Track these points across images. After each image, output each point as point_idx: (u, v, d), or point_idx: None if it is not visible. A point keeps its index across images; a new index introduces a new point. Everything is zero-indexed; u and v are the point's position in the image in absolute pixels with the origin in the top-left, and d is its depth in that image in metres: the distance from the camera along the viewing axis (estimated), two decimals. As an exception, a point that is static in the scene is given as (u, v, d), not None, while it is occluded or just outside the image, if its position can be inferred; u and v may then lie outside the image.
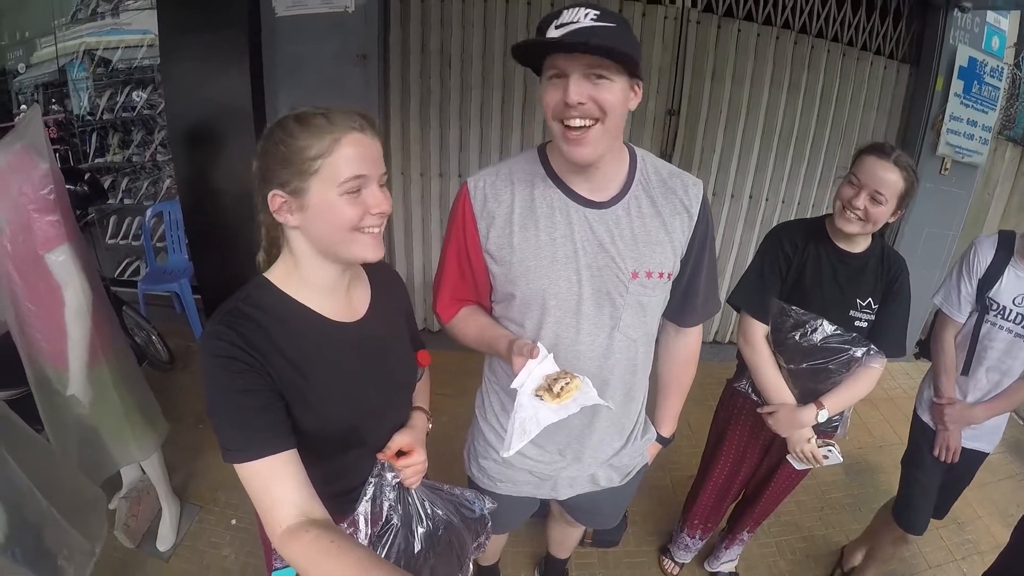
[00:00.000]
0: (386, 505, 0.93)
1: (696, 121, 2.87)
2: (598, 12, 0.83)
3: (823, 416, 1.38)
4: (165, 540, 1.85)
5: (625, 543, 2.03)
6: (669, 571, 1.96)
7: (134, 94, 2.99)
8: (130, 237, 3.16)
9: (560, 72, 0.85)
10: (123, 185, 3.12)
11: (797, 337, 1.36)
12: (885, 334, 1.38)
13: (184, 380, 2.59)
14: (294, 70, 2.48)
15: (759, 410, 1.46)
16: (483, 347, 1.07)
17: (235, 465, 0.74)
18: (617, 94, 0.85)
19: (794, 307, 1.36)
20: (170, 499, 1.89)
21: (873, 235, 1.38)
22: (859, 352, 1.35)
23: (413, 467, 0.94)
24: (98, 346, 1.48)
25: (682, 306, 1.12)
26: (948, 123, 2.88)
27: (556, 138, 0.91)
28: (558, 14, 0.83)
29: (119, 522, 1.80)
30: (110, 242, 3.16)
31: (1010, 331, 1.49)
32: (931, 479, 1.68)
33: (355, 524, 0.92)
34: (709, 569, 1.95)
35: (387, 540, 0.93)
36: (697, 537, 1.87)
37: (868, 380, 1.39)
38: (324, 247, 0.81)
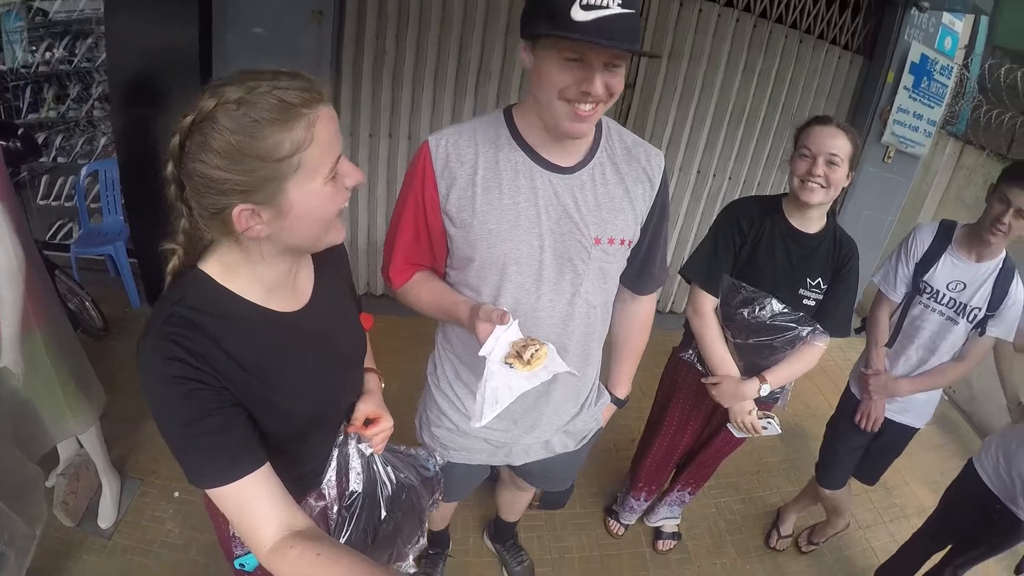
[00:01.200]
0: (352, 475, 0.91)
1: (651, 95, 2.89)
2: None
3: (765, 390, 1.44)
4: (106, 517, 1.78)
5: (571, 505, 2.07)
6: (615, 531, 2.04)
7: (75, 44, 2.77)
8: (63, 198, 2.94)
9: (582, 58, 0.82)
10: (57, 143, 2.90)
11: (746, 313, 1.40)
12: (831, 314, 1.43)
13: (119, 348, 2.47)
14: (245, 24, 2.33)
15: (704, 380, 1.51)
16: (439, 313, 1.05)
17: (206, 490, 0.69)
18: (623, 79, 0.86)
19: (744, 284, 1.40)
20: (110, 473, 1.81)
21: (828, 216, 1.44)
22: (805, 331, 1.41)
23: (383, 433, 0.93)
24: (31, 312, 1.38)
25: (639, 274, 1.13)
26: (895, 114, 3.01)
27: (556, 114, 0.87)
28: None
29: (57, 500, 1.71)
30: (41, 203, 2.94)
31: (942, 314, 1.58)
32: (847, 444, 1.81)
33: (323, 497, 0.90)
34: (649, 524, 2.04)
35: (355, 510, 0.92)
36: (642, 499, 1.95)
37: (810, 357, 1.46)
38: (298, 245, 0.72)
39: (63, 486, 1.75)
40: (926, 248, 1.61)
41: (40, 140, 2.80)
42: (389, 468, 0.98)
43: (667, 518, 2.01)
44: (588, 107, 0.85)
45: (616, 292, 1.15)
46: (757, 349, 1.43)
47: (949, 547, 1.70)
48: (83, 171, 2.66)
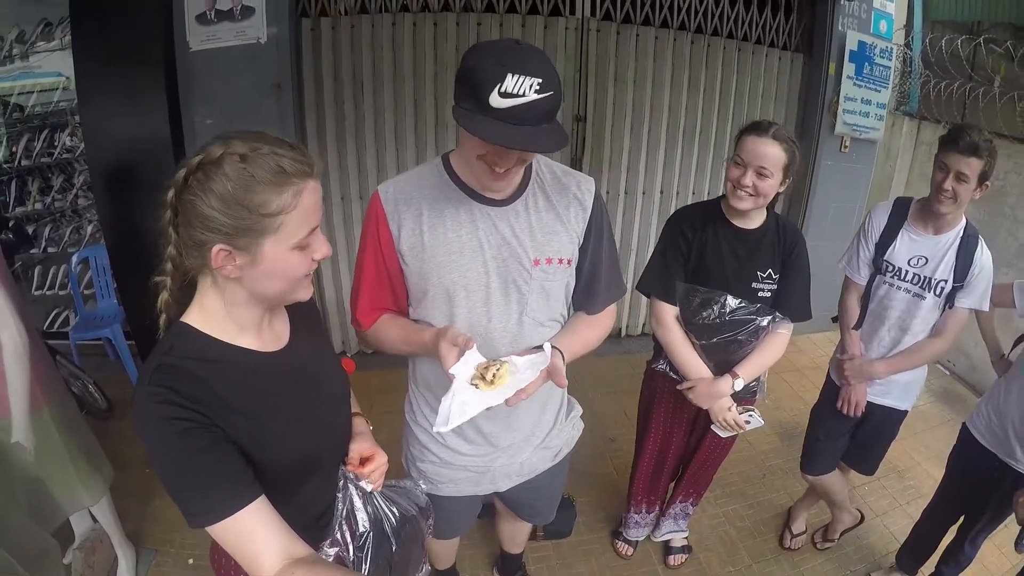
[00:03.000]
0: (359, 516, 0.94)
1: (603, 125, 2.99)
2: (541, 81, 0.84)
3: (739, 384, 1.46)
4: (124, 588, 1.81)
5: (577, 532, 2.09)
6: (624, 553, 2.02)
7: (53, 137, 2.90)
8: (56, 287, 3.04)
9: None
10: (46, 233, 3.02)
11: (704, 314, 1.45)
12: (788, 301, 1.47)
13: (125, 427, 2.51)
14: (211, 103, 2.48)
15: (679, 387, 1.54)
16: (406, 345, 1.11)
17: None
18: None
19: (698, 286, 1.44)
20: (124, 546, 1.85)
21: (767, 210, 1.47)
22: (765, 321, 1.44)
23: (379, 469, 0.97)
24: (38, 390, 1.45)
25: (587, 293, 1.19)
26: (843, 104, 3.10)
27: (476, 172, 0.98)
28: (501, 76, 0.82)
29: (75, 574, 1.74)
30: (36, 294, 3.04)
31: (908, 291, 1.59)
32: (828, 431, 1.81)
33: (336, 543, 0.92)
34: (656, 539, 2.02)
35: (367, 549, 0.94)
36: (644, 511, 1.94)
37: (778, 345, 1.48)
38: (262, 297, 0.78)
39: (80, 560, 1.78)
40: (883, 227, 1.62)
41: (29, 232, 2.91)
42: (389, 502, 1.02)
43: (673, 532, 1.99)
44: (502, 170, 0.95)
45: (572, 317, 1.21)
46: (723, 347, 1.47)
47: (963, 518, 1.68)
48: (73, 259, 2.75)
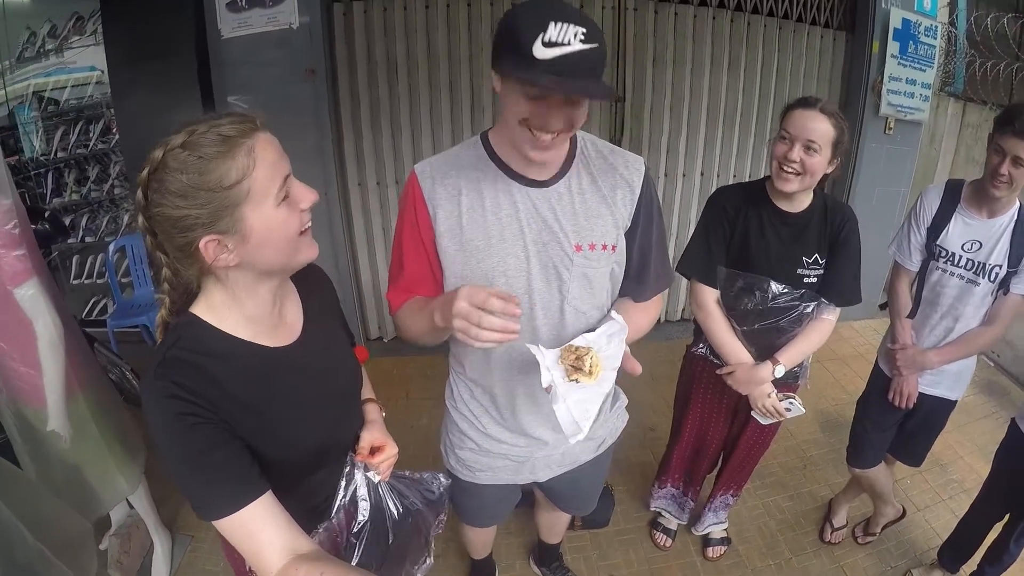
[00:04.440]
0: (361, 504, 0.93)
1: (642, 106, 2.93)
2: (586, 31, 0.79)
3: (780, 371, 1.42)
4: (159, 573, 1.84)
5: (615, 522, 2.07)
6: (661, 544, 2.00)
7: (88, 128, 2.95)
8: (95, 275, 3.11)
9: (543, 95, 0.84)
10: (83, 223, 3.08)
11: (747, 300, 1.40)
12: (835, 285, 1.41)
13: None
14: (244, 90, 2.49)
15: (718, 371, 1.51)
16: (427, 320, 0.94)
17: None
18: (585, 109, 0.89)
19: (741, 272, 1.39)
20: (160, 532, 1.88)
21: (814, 192, 1.41)
22: (809, 307, 1.39)
23: (388, 460, 0.96)
24: (73, 377, 1.46)
25: (637, 280, 1.14)
26: (887, 84, 2.98)
27: (518, 140, 0.91)
28: (544, 25, 0.77)
29: (112, 560, 1.78)
30: (75, 283, 3.11)
31: (961, 277, 1.54)
32: (877, 422, 1.76)
33: (332, 528, 0.91)
34: (696, 533, 1.99)
35: (363, 538, 0.94)
36: (670, 486, 1.90)
37: (821, 332, 1.44)
38: (271, 268, 0.76)
39: (116, 546, 1.81)
40: (935, 211, 1.56)
41: (66, 222, 2.97)
42: (395, 494, 1.00)
43: (713, 524, 1.96)
44: (549, 137, 0.88)
45: (618, 305, 1.15)
46: (765, 333, 1.42)
47: (1007, 516, 1.62)
48: (110, 248, 2.81)
